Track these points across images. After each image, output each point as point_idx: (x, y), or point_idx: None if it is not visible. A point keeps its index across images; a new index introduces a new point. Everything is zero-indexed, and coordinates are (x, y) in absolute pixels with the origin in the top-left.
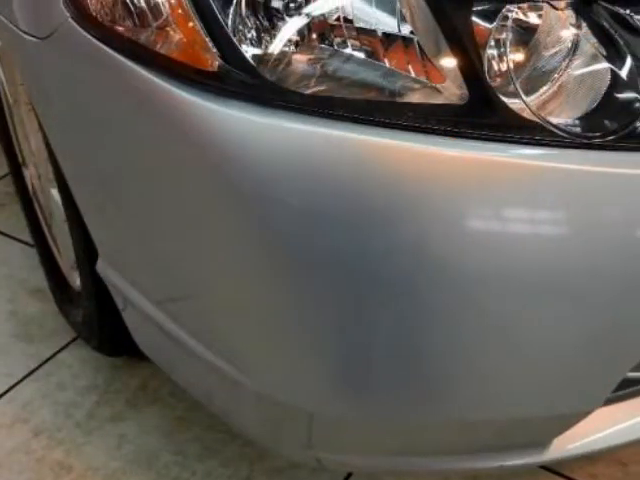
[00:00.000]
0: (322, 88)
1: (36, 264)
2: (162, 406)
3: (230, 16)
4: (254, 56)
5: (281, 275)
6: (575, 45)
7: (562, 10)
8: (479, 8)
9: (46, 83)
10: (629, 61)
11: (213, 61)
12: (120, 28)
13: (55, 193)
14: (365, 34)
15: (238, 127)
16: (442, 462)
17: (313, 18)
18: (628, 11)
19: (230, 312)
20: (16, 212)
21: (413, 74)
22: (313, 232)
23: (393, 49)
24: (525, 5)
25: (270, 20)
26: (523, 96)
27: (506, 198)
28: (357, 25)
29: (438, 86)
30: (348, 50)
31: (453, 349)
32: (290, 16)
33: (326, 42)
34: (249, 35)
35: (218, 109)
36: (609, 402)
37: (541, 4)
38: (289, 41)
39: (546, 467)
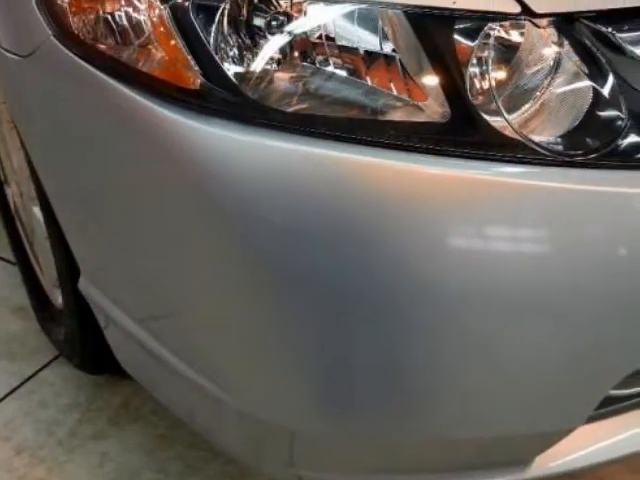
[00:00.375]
0: (304, 106)
1: (18, 282)
2: (144, 424)
3: (212, 34)
4: (236, 74)
5: (263, 293)
6: (557, 63)
7: (544, 28)
8: (461, 26)
9: (28, 101)
10: (611, 79)
11: (195, 79)
12: (102, 46)
13: (37, 211)
14: (347, 52)
15: (220, 145)
16: None
17: (295, 36)
18: (610, 29)
19: (212, 330)
20: None
21: (395, 92)
22: (295, 250)
23: (375, 67)
24: (507, 23)
25: (252, 38)
26: (505, 114)
27: (488, 216)
28: (339, 43)
29: (420, 104)
30: (330, 68)
31: (435, 367)
32: (272, 34)
33: (308, 60)
34: (231, 53)
35: (200, 127)
36: (591, 420)
37: (523, 22)
38: (271, 59)
39: None
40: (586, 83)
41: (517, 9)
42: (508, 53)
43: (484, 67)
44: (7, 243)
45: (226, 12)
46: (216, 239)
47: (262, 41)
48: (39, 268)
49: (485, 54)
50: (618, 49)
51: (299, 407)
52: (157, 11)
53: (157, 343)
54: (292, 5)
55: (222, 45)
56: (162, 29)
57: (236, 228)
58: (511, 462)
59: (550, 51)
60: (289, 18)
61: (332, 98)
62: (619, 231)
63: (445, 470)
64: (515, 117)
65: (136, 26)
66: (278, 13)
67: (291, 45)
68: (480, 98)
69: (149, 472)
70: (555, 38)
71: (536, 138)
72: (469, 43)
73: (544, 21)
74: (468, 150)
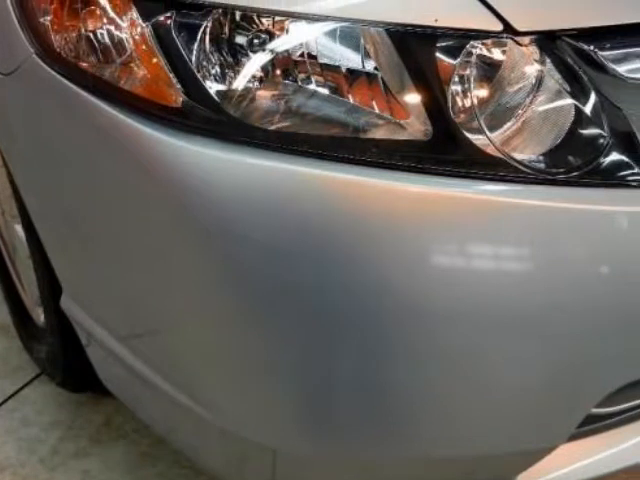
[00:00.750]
0: (286, 124)
1: (0, 300)
2: (126, 442)
3: (194, 52)
4: (218, 92)
5: (245, 311)
6: (539, 81)
7: (526, 46)
8: (443, 44)
9: (10, 119)
10: (593, 97)
11: (177, 97)
12: (84, 64)
13: (19, 229)
14: (329, 70)
15: (202, 163)
16: None
17: (277, 54)
18: (592, 47)
19: (194, 348)
20: None
21: (377, 110)
22: (277, 268)
23: (357, 85)
24: (489, 41)
25: (234, 56)
26: (487, 132)
27: (470, 234)
28: (321, 61)
29: (402, 122)
30: (312, 86)
31: (417, 386)
32: (254, 52)
33: (290, 78)
34: (213, 71)
35: (182, 145)
36: (573, 438)
37: (505, 40)
38: (253, 77)
39: None
40: (568, 101)
41: (499, 27)
42: (490, 71)
43: (466, 85)
44: None
45: (208, 30)
46: (198, 257)
47: (244, 59)
48: (21, 286)
49: (467, 72)
50: (600, 67)
51: (281, 426)
52: (139, 29)
53: (139, 361)
54: (274, 23)
55: (204, 63)
56: (144, 47)
57: (218, 246)
58: None
59: (532, 69)
60: (271, 36)
61: (314, 116)
62: (601, 249)
63: None
64: (497, 135)
65: (118, 44)
66: (260, 31)
67: (273, 63)
68: (462, 116)
69: None
70: (537, 56)
71: (518, 156)
72: (451, 61)
73: (526, 39)
74: (450, 168)
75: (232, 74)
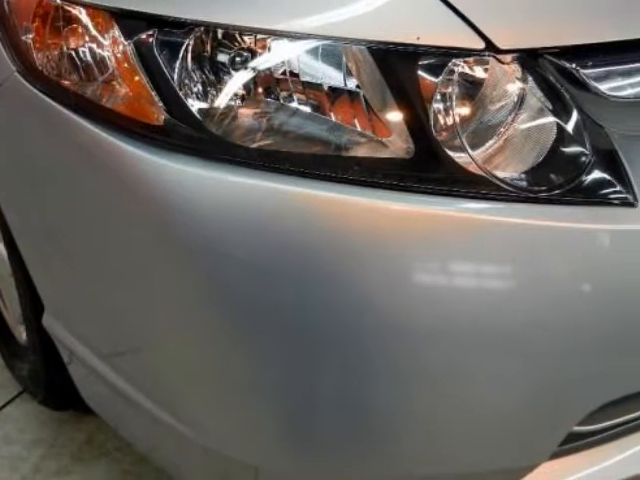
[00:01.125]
0: (268, 142)
1: None
2: (108, 460)
3: (176, 70)
4: (200, 110)
5: (227, 329)
6: (521, 99)
7: (508, 64)
8: (425, 62)
9: None
10: (575, 115)
11: (159, 115)
12: (66, 82)
13: (1, 247)
14: (311, 88)
15: (184, 181)
16: None
17: (259, 72)
18: (574, 65)
19: (176, 366)
20: None
21: (359, 128)
22: (259, 286)
23: (339, 103)
24: (471, 59)
25: (216, 74)
26: (469, 150)
27: (452, 252)
28: (303, 79)
29: (384, 140)
30: (294, 104)
31: (399, 404)
32: (236, 70)
33: (272, 96)
34: (195, 89)
35: (164, 163)
36: (555, 456)
37: (487, 58)
38: (235, 95)
39: None
40: (550, 119)
41: (481, 45)
42: (472, 89)
43: (448, 103)
44: None
45: (190, 48)
46: (180, 275)
47: (226, 77)
48: (3, 304)
49: (449, 90)
50: (582, 85)
51: (263, 443)
52: (121, 47)
53: (121, 379)
54: (256, 41)
55: (186, 81)
56: (126, 65)
57: (200, 264)
58: None
59: (514, 87)
60: (253, 54)
61: (296, 134)
62: (583, 267)
63: None
64: (479, 153)
65: (100, 62)
66: (242, 49)
67: (255, 81)
68: (444, 134)
69: None
70: (519, 74)
71: (500, 174)
72: (433, 79)
73: (508, 57)
74: (432, 186)
75: (214, 92)
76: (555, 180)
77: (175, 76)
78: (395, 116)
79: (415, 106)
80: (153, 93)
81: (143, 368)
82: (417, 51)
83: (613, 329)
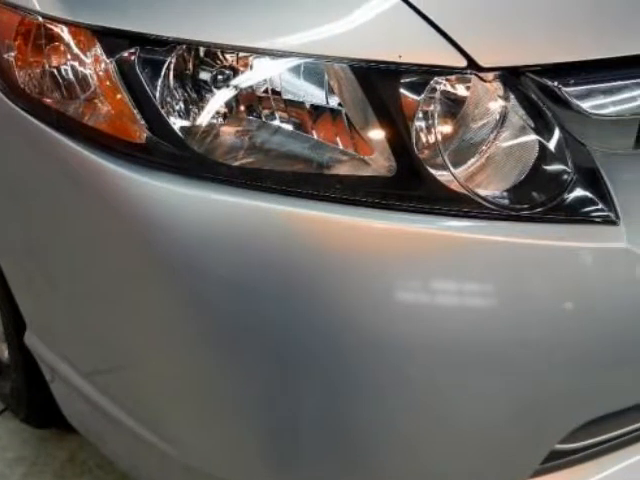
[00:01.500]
0: (250, 160)
1: None
2: (90, 478)
3: (158, 88)
4: (182, 128)
5: (209, 347)
6: (503, 117)
7: (490, 82)
8: (407, 80)
9: None
10: (557, 133)
11: (141, 133)
12: (48, 100)
13: None
14: (293, 106)
15: (166, 199)
16: None
17: (241, 90)
18: (556, 83)
19: (158, 384)
20: None
21: (341, 146)
22: (241, 304)
23: (321, 121)
24: (453, 77)
25: (198, 92)
26: (451, 168)
27: (434, 270)
28: (285, 97)
29: (366, 158)
30: (276, 122)
31: (381, 421)
32: (218, 88)
33: (254, 114)
34: (177, 107)
35: (146, 181)
36: (537, 474)
37: (469, 76)
38: (217, 113)
39: None
40: (532, 137)
41: (463, 63)
42: (454, 107)
43: (430, 121)
44: None
45: (172, 66)
46: (162, 293)
47: (208, 95)
48: None
49: (431, 108)
50: (564, 103)
51: (245, 461)
52: (103, 65)
53: (103, 397)
54: (238, 59)
55: (168, 99)
56: (108, 83)
57: (182, 282)
58: None
59: (496, 105)
60: (235, 72)
61: (278, 152)
62: (565, 285)
63: None
64: (461, 171)
65: (82, 80)
66: (224, 67)
67: (237, 99)
68: (426, 152)
69: None
70: (501, 92)
71: (482, 192)
72: (415, 97)
73: (490, 75)
74: (414, 204)
75: (196, 110)
76: (537, 198)
77: (157, 94)
78: (377, 134)
79: (397, 124)
80: (135, 111)
81: (125, 386)
82: (399, 69)
83: (595, 347)
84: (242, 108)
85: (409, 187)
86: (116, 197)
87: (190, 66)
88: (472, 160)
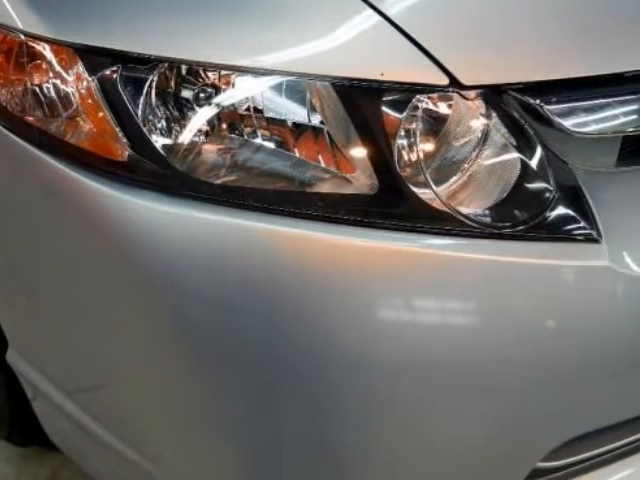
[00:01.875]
0: (232, 178)
1: None
2: None
3: (140, 106)
4: (164, 146)
5: (192, 365)
6: (485, 135)
7: (472, 100)
8: (389, 98)
9: None
10: (539, 151)
11: (123, 151)
12: (30, 118)
13: None
14: (275, 124)
15: (148, 217)
16: None
17: (223, 108)
18: (538, 101)
19: (141, 402)
20: None
21: (323, 164)
22: (224, 322)
23: (303, 139)
24: (435, 95)
25: (180, 110)
26: (433, 186)
27: (417, 288)
28: (267, 115)
29: (348, 176)
30: (258, 140)
31: (363, 439)
32: (200, 106)
33: (236, 132)
34: (159, 125)
35: (128, 199)
36: None
37: (451, 94)
38: (199, 131)
39: None
40: (514, 155)
41: (445, 81)
42: (436, 125)
43: (412, 139)
44: None
45: (154, 84)
46: (145, 311)
47: (190, 113)
48: None
49: (413, 126)
50: (546, 121)
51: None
52: (85, 83)
53: (85, 415)
54: (220, 77)
55: (150, 117)
56: (90, 101)
57: (165, 300)
58: None
59: (478, 123)
60: (217, 90)
61: (260, 170)
62: (547, 303)
63: None
64: (443, 189)
65: (64, 98)
66: (206, 85)
67: (219, 117)
68: (408, 170)
69: None
70: (483, 110)
71: (464, 210)
72: (397, 115)
73: (472, 93)
74: (396, 222)
75: (178, 128)
76: (519, 216)
77: (139, 112)
78: (359, 152)
79: (379, 142)
80: (117, 129)
81: (108, 404)
82: (381, 87)
83: (577, 365)
84: (224, 126)
85: (391, 205)
86: (98, 215)
87: (172, 84)
88: (454, 178)
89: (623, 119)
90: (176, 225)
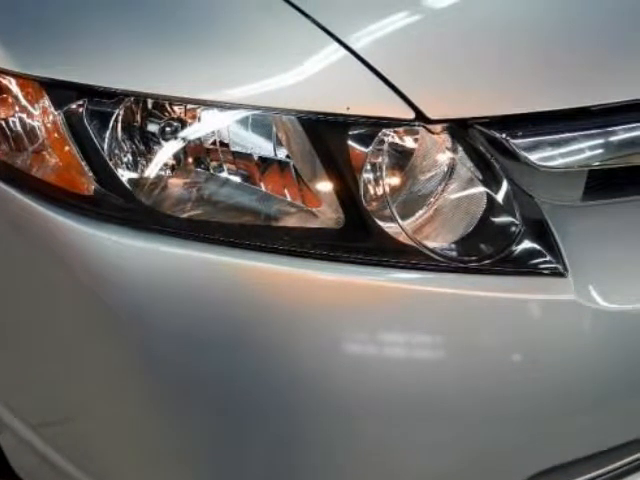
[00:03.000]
0: (198, 212)
1: None
2: None
3: (106, 140)
4: (130, 180)
5: (157, 399)
6: (451, 169)
7: (438, 134)
8: (355, 132)
9: None
10: (505, 185)
11: (89, 185)
12: None
13: None
14: (241, 158)
15: (114, 251)
16: None
17: (189, 142)
18: (504, 135)
19: (106, 436)
20: None
21: (289, 198)
22: (190, 356)
23: (269, 173)
24: (401, 129)
25: (146, 144)
26: (399, 220)
27: (383, 322)
28: (233, 149)
29: (314, 210)
30: (224, 174)
31: (329, 474)
32: (166, 140)
33: (202, 166)
34: (125, 159)
35: (94, 233)
36: None
37: (417, 128)
38: (165, 165)
39: None
40: (480, 189)
41: (411, 115)
42: (402, 159)
43: (378, 173)
44: None
45: (120, 118)
46: (110, 345)
47: (156, 147)
48: None
49: (379, 160)
50: (512, 155)
51: None
52: (51, 117)
53: (51, 449)
54: (186, 111)
55: (116, 151)
56: (56, 135)
57: (130, 334)
58: None
59: (444, 157)
60: (183, 124)
61: (226, 204)
62: (513, 337)
63: None
64: (409, 223)
65: (30, 132)
66: (172, 119)
67: (185, 151)
68: (374, 204)
69: None
70: (449, 144)
71: (430, 244)
72: (363, 149)
73: (438, 127)
74: (362, 256)
75: (144, 162)
76: (485, 250)
77: (105, 146)
78: (325, 186)
79: (345, 176)
80: (83, 163)
81: (73, 438)
82: (347, 121)
83: (543, 399)
84: (190, 160)
85: (357, 239)
86: (64, 249)
87: (138, 118)
88: (420, 212)
89: (589, 153)
90: (142, 259)
